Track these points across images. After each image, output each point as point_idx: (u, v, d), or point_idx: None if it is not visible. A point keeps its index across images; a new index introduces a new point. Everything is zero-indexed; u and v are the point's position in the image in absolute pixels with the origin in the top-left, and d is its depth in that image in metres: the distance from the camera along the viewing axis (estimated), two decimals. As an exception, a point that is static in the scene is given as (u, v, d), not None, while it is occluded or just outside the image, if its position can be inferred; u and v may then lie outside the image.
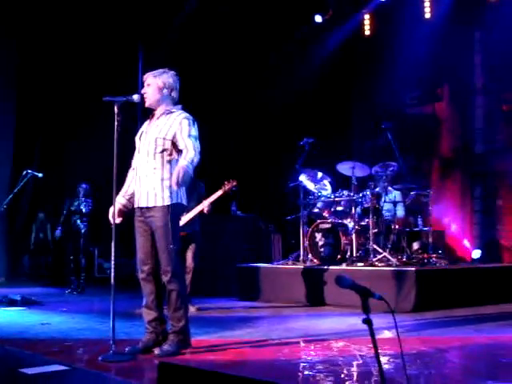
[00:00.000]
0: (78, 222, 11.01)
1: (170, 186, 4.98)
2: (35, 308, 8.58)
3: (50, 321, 7.09)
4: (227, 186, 7.95)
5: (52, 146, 14.58)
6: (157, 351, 4.94)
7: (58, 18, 12.97)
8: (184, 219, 7.63)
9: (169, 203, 4.99)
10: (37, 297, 9.33)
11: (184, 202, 5.19)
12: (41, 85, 14.05)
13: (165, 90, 5.16)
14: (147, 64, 12.25)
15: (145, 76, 5.24)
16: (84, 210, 11.00)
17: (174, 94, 5.23)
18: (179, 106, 5.24)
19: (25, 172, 9.16)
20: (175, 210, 5.06)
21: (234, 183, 7.94)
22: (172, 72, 5.26)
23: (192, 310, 7.83)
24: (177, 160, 4.99)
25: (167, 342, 5.02)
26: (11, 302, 8.74)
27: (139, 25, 12.97)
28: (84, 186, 11.17)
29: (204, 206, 7.97)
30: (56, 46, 13.47)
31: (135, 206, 5.15)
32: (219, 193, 7.96)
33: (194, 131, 5.06)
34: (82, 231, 11.00)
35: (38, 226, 15.08)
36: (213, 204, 8.09)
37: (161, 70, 5.23)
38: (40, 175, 9.45)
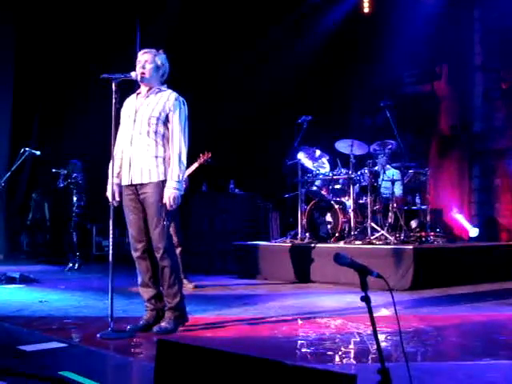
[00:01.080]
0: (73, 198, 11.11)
1: (164, 162, 5.00)
2: (33, 286, 8.59)
3: (49, 298, 7.11)
4: (202, 159, 8.10)
5: (50, 123, 14.53)
6: (155, 329, 4.97)
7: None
8: None
9: (163, 179, 5.00)
10: (35, 274, 9.33)
11: None
12: (38, 61, 13.97)
13: (161, 70, 5.20)
14: (144, 41, 12.17)
15: (141, 52, 5.22)
16: (59, 186, 11.14)
17: (165, 76, 5.29)
18: (165, 86, 5.27)
19: (23, 150, 9.12)
20: None
21: (209, 155, 8.08)
22: (164, 54, 5.29)
23: (189, 287, 7.86)
24: (167, 139, 5.02)
25: (164, 320, 5.04)
26: (9, 280, 8.74)
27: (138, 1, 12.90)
28: (73, 161, 11.18)
29: None
30: (54, 21, 13.37)
31: (124, 183, 5.11)
32: (195, 165, 8.07)
33: (184, 117, 5.11)
34: (74, 207, 11.06)
35: (33, 205, 15.07)
36: (190, 178, 8.13)
37: (155, 50, 5.23)
38: (38, 153, 9.41)
